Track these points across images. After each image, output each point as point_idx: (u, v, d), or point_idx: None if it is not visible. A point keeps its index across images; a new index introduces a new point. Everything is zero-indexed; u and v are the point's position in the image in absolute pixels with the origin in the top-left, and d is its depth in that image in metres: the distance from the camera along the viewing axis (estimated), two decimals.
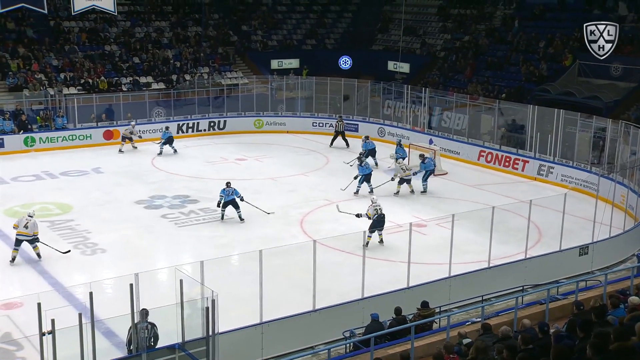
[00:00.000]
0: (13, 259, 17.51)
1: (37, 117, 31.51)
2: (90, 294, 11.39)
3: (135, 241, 19.45)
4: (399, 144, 27.68)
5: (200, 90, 35.80)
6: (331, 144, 30.95)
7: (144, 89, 35.54)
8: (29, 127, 30.77)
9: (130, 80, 36.02)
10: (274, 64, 41.32)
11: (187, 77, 37.66)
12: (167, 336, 12.00)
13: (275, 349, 13.31)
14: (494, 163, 28.22)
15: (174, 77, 37.27)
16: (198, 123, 34.28)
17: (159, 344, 12.01)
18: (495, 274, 16.35)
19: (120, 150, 30.07)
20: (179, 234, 20.13)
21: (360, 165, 23.99)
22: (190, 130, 33.97)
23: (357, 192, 23.66)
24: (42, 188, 24.55)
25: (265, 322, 13.46)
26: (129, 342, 11.86)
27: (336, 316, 14.07)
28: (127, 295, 11.54)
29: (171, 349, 12.00)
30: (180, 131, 33.46)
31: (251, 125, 35.00)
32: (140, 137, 30.79)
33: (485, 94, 33.56)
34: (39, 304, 10.73)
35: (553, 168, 26.06)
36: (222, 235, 19.93)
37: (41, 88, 33.20)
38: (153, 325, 11.96)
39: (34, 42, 36.16)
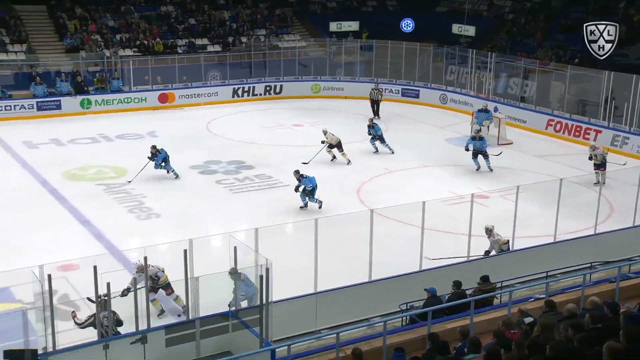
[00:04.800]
0: None
1: (94, 79, 32.13)
2: (145, 258, 11.67)
3: (189, 207, 19.75)
4: (485, 110, 27.16)
5: (256, 53, 35.88)
6: (376, 114, 30.17)
7: (200, 51, 35.81)
8: (86, 89, 31.42)
9: (185, 42, 36.33)
10: (333, 26, 41.04)
11: (244, 39, 37.76)
12: (221, 303, 12.21)
13: (329, 319, 13.40)
14: (563, 132, 27.60)
15: (230, 39, 37.42)
16: (254, 87, 34.43)
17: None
18: (561, 250, 16.05)
19: None
20: (233, 201, 20.35)
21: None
22: (245, 94, 34.17)
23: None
24: (98, 151, 25.12)
25: (320, 293, 13.55)
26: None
27: (392, 288, 14.05)
28: (181, 260, 11.78)
29: (225, 316, 12.21)
30: (235, 95, 33.78)
31: (308, 90, 34.97)
32: None
33: (557, 59, 32.68)
34: (94, 267, 11.03)
35: (628, 139, 25.34)
36: (277, 203, 20.06)
37: (97, 49, 33.80)
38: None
39: (91, 2, 36.74)
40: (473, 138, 23.08)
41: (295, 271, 13.87)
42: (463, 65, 33.58)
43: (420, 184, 21.67)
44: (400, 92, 34.19)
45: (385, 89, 32.99)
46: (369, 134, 25.05)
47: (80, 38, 34.31)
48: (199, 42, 36.76)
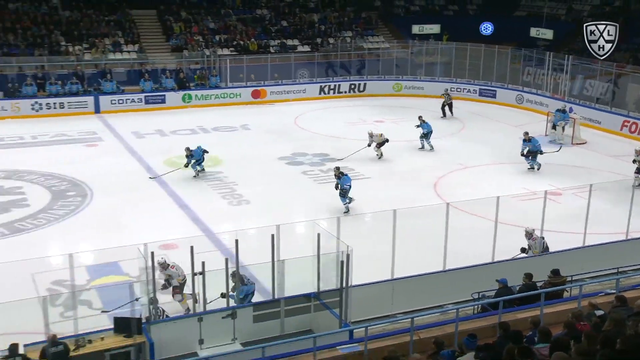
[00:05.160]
0: None
1: (195, 76, 32.89)
2: (236, 241, 11.90)
3: (277, 195, 19.98)
4: (562, 110, 26.27)
5: (342, 53, 35.90)
6: (444, 114, 29.67)
7: (290, 51, 36.12)
8: (187, 84, 32.20)
9: (278, 43, 36.69)
10: (415, 29, 40.58)
11: (331, 40, 37.83)
12: (304, 285, 12.33)
13: (404, 304, 13.33)
14: (639, 133, 26.46)
15: (319, 40, 37.57)
16: (339, 85, 34.50)
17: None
18: (633, 247, 15.45)
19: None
20: (317, 190, 20.47)
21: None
22: (331, 91, 34.27)
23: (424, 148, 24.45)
24: (196, 141, 25.63)
25: (396, 279, 13.50)
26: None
27: (465, 278, 13.86)
28: (269, 244, 11.96)
29: (307, 297, 12.34)
30: (322, 92, 33.93)
31: (390, 89, 34.78)
32: None
33: (634, 61, 31.33)
34: (191, 247, 11.35)
35: None
36: (358, 194, 20.04)
37: (199, 49, 34.57)
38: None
39: (194, 6, 37.63)
40: (524, 141, 22.16)
41: (373, 258, 13.86)
42: (540, 67, 32.66)
43: (495, 180, 21.25)
44: (477, 92, 33.59)
45: (463, 89, 32.53)
46: (419, 125, 24.79)
47: (184, 39, 35.19)
48: (290, 42, 37.06)
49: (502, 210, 14.44)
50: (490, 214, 14.64)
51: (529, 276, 12.57)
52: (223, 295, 12.02)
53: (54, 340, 10.34)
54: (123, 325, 11.06)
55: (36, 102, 29.06)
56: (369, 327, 10.28)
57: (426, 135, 24.63)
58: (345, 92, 34.49)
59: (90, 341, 10.89)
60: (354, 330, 11.22)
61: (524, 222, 16.59)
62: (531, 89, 32.31)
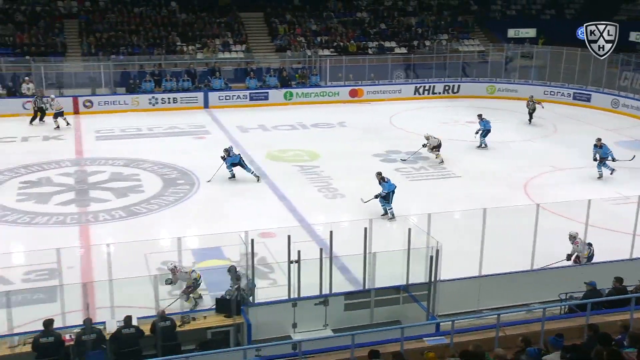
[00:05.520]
0: None
1: (296, 75, 33.30)
2: (331, 232, 11.97)
3: (370, 190, 19.88)
4: None
5: (438, 55, 35.37)
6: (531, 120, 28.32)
7: (388, 53, 35.93)
8: (289, 83, 32.63)
9: (376, 45, 36.60)
10: (511, 32, 39.52)
11: (427, 43, 37.37)
12: (393, 277, 12.27)
13: (490, 301, 13.01)
14: None
15: (415, 42, 37.19)
16: (434, 86, 34.02)
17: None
18: None
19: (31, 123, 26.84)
20: (409, 187, 20.28)
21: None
22: (426, 92, 33.85)
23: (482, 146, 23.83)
24: (296, 136, 26.05)
25: (484, 276, 13.21)
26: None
27: (553, 278, 13.39)
28: (361, 236, 11.97)
29: (397, 289, 12.28)
30: (417, 93, 33.59)
31: (484, 91, 33.98)
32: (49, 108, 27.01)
33: None
34: (289, 236, 11.51)
35: None
36: (448, 192, 19.75)
37: (301, 49, 34.98)
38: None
39: (299, 9, 38.09)
40: (595, 146, 20.88)
41: (461, 254, 13.62)
42: (638, 71, 31.02)
43: (586, 182, 20.39)
44: (571, 95, 32.27)
45: (556, 92, 31.38)
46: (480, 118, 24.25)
47: (287, 40, 35.71)
48: (387, 44, 36.89)
49: (593, 213, 13.85)
50: (580, 216, 14.07)
51: (619, 280, 11.99)
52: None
53: (162, 316, 10.76)
54: (224, 306, 11.38)
55: (153, 97, 30.26)
56: (455, 321, 10.11)
57: (483, 133, 24.07)
58: (440, 93, 33.97)
59: (194, 319, 11.27)
60: (441, 323, 11.07)
61: (616, 226, 15.88)
62: (628, 94, 30.74)
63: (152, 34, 34.62)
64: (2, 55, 31.50)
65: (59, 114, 26.46)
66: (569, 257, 14.12)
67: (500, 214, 14.90)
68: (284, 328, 11.71)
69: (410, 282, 12.13)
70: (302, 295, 11.94)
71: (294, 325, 11.76)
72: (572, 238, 14.11)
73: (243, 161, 20.47)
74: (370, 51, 36.09)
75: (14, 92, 29.00)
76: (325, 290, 12.13)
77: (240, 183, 20.21)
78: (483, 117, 24.46)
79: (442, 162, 22.31)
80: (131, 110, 29.57)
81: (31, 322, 11.03)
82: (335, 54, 35.27)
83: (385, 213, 17.50)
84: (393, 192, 17.56)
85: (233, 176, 20.22)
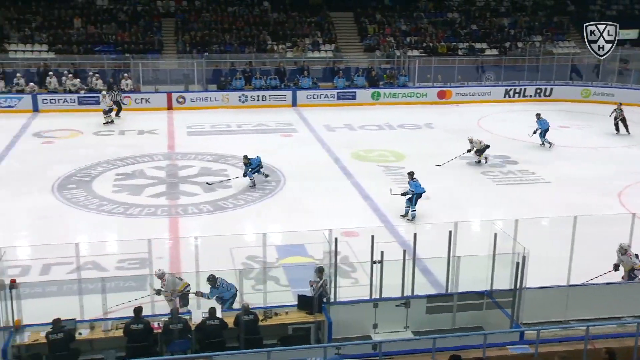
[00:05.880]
0: None
1: (384, 75, 33.19)
2: (414, 234, 11.87)
3: (455, 193, 19.60)
4: None
5: (530, 57, 34.37)
6: (617, 130, 26.35)
7: (478, 54, 35.24)
8: (377, 83, 32.56)
9: (466, 46, 35.96)
10: None
11: (520, 44, 36.38)
12: (477, 282, 12.04)
13: (579, 312, 12.54)
14: None
15: (507, 44, 36.29)
16: (525, 89, 33.09)
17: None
18: None
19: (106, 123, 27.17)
20: (496, 191, 19.84)
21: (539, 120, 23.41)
22: (517, 95, 32.98)
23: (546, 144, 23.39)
24: (382, 137, 25.96)
25: (572, 285, 12.73)
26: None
27: None
28: (445, 239, 11.80)
29: (480, 294, 12.05)
30: (507, 95, 32.81)
31: (578, 94, 32.74)
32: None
33: None
34: (372, 237, 11.50)
35: None
36: (535, 198, 19.17)
37: (390, 49, 34.83)
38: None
39: (389, 9, 37.97)
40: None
41: (548, 262, 13.19)
42: None
43: None
44: None
45: None
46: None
47: (377, 39, 35.64)
48: (478, 45, 36.18)
49: None
50: None
51: None
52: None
53: (246, 309, 10.99)
54: (306, 303, 11.49)
55: (242, 94, 30.90)
56: (540, 331, 9.82)
57: (542, 133, 23.46)
58: (531, 96, 33.00)
59: (276, 314, 11.44)
60: (525, 332, 10.77)
61: None
62: None
63: (244, 32, 35.38)
64: (105, 52, 33.06)
65: (114, 108, 27.59)
66: (616, 268, 13.37)
67: (592, 222, 14.35)
68: (364, 328, 11.71)
69: (494, 288, 11.86)
70: (383, 296, 11.90)
71: (375, 326, 11.74)
72: (623, 250, 13.24)
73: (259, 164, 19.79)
74: (460, 52, 35.50)
75: (113, 88, 30.32)
76: (407, 292, 12.05)
77: (325, 180, 20.34)
78: (541, 116, 23.95)
79: (485, 161, 22.10)
80: (221, 107, 30.32)
81: (122, 308, 11.50)
82: (424, 54, 34.91)
83: (406, 214, 17.22)
84: (420, 195, 17.21)
85: (254, 184, 19.50)
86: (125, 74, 30.46)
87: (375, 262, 11.63)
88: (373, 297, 11.92)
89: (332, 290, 11.57)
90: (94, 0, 36.06)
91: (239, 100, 30.80)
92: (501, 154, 23.21)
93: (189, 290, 12.02)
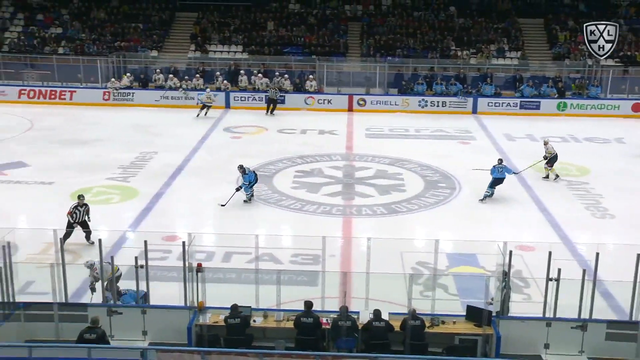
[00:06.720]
0: None
1: (572, 85, 31.43)
2: (597, 254, 11.13)
3: None
4: None
5: None
6: None
7: None
8: (564, 93, 30.91)
9: None
10: None
11: None
12: None
13: None
14: None
15: None
16: None
17: None
18: None
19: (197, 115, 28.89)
20: None
21: None
22: None
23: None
24: (565, 149, 24.47)
25: None
26: None
27: None
28: (630, 261, 10.97)
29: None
30: None
31: None
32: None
33: None
34: (549, 252, 10.97)
35: None
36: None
37: (581, 58, 32.90)
38: None
39: (583, 15, 35.85)
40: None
41: None
42: None
43: None
44: None
45: None
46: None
47: (567, 47, 33.84)
48: None
49: None
50: None
51: None
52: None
53: (414, 315, 10.94)
54: (474, 315, 11.22)
55: (422, 99, 30.80)
56: None
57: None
58: None
59: (443, 322, 11.29)
60: None
61: None
62: None
63: (428, 37, 35.26)
64: (293, 54, 34.61)
65: (206, 106, 28.87)
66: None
67: None
68: (535, 347, 11.19)
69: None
70: (557, 315, 11.29)
71: (546, 346, 11.18)
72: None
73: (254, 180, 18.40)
74: None
75: (299, 88, 31.62)
76: (585, 315, 11.31)
77: (502, 191, 19.64)
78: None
79: (556, 177, 20.43)
80: (401, 111, 30.44)
81: (294, 300, 11.97)
82: (620, 64, 32.52)
83: (484, 198, 18.32)
84: (501, 180, 18.34)
85: (251, 197, 18.28)
86: (311, 75, 31.64)
87: (551, 279, 11.06)
88: (546, 315, 11.35)
89: (504, 304, 11.18)
90: (287, 4, 37.87)
91: (419, 105, 30.73)
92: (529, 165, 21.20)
93: (119, 275, 12.09)
